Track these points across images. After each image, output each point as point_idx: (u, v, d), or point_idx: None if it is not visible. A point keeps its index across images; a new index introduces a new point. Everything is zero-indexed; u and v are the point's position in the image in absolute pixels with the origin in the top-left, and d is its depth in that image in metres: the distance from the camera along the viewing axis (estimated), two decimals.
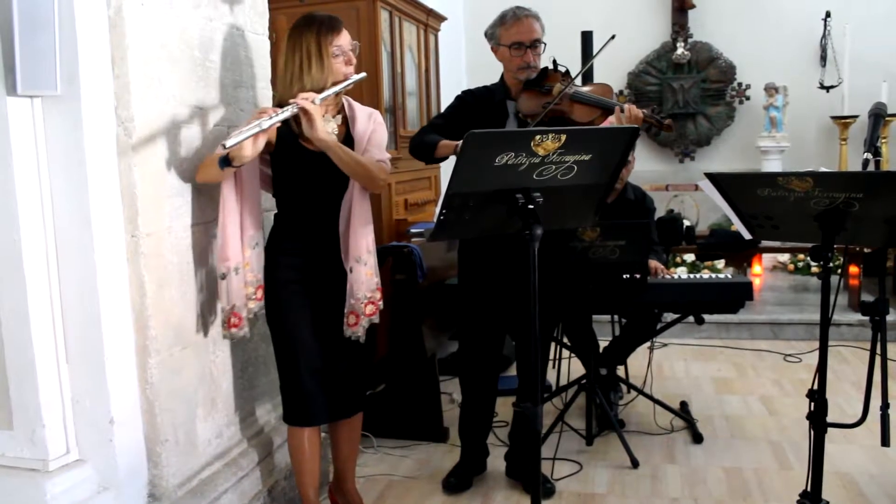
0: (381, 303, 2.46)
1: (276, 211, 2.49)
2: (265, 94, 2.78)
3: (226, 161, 2.19)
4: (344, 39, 2.34)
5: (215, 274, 2.49)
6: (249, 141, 2.13)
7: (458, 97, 2.92)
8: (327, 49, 2.29)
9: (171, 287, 2.28)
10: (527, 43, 2.75)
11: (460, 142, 2.65)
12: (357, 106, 2.48)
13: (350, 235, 2.39)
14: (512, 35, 2.76)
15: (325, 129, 2.25)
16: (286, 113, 2.17)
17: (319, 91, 2.27)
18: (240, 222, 2.35)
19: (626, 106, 2.64)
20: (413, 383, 3.43)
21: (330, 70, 2.30)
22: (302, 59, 2.29)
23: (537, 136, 1.85)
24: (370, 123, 2.45)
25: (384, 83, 4.27)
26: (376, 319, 2.46)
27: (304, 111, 2.19)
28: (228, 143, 2.07)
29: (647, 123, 2.72)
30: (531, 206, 1.89)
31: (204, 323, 2.45)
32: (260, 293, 2.41)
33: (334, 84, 2.31)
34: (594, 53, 2.60)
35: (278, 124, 2.19)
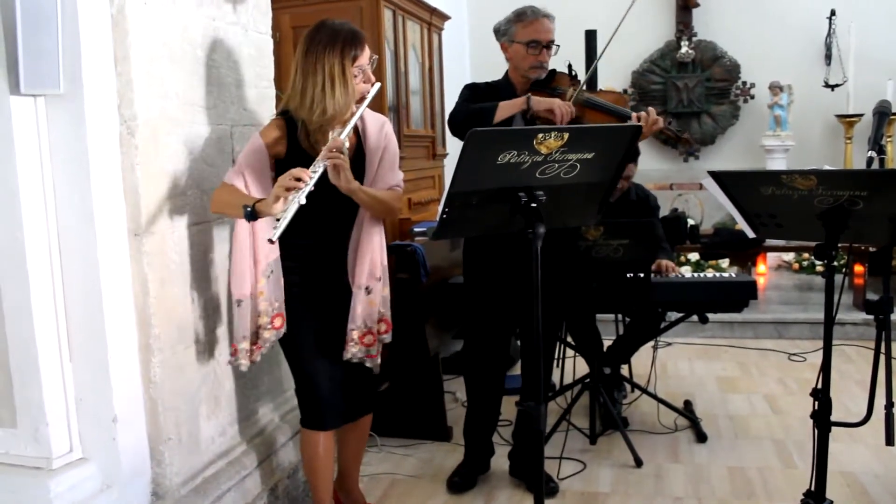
0: (387, 335, 2.41)
1: None
2: (268, 94, 2.78)
3: (252, 215, 2.10)
4: (365, 58, 2.23)
5: (218, 273, 2.49)
6: (280, 200, 2.04)
7: (467, 86, 2.87)
8: (351, 70, 2.18)
9: (173, 285, 2.29)
10: (543, 42, 2.75)
11: (526, 97, 2.62)
12: (367, 114, 2.36)
13: (357, 259, 2.35)
14: (529, 33, 2.75)
15: (351, 177, 2.16)
16: (318, 174, 2.05)
17: (343, 114, 2.20)
18: (252, 255, 2.26)
19: (643, 113, 2.58)
20: (416, 382, 3.42)
21: (353, 94, 2.20)
22: (325, 81, 2.16)
23: (540, 135, 1.85)
24: (382, 137, 2.37)
25: (388, 82, 4.27)
26: (374, 352, 2.38)
27: (335, 167, 2.11)
28: (275, 235, 1.98)
29: (665, 136, 2.72)
30: (534, 205, 1.89)
31: (207, 321, 2.45)
32: (278, 321, 2.30)
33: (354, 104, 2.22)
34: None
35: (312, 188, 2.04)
